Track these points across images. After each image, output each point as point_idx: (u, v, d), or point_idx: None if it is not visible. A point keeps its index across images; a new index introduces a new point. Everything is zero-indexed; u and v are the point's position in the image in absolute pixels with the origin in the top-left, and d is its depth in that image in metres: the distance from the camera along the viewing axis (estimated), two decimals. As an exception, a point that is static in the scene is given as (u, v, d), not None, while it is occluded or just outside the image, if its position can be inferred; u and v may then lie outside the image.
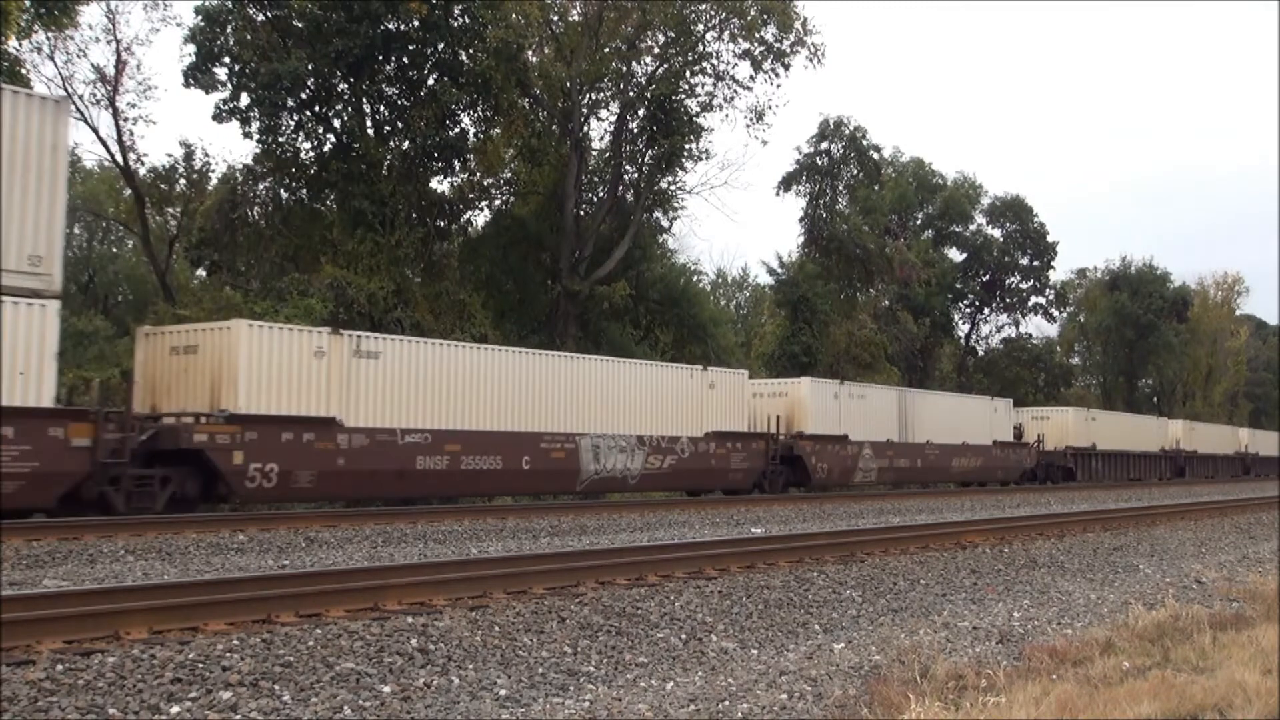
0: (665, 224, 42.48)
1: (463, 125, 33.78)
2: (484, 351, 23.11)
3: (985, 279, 66.07)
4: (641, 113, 37.17)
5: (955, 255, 65.96)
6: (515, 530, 17.09)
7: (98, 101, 31.86)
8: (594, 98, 37.86)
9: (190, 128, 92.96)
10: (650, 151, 37.46)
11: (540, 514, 19.50)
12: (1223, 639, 8.58)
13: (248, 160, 32.75)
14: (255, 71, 30.35)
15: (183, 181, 34.34)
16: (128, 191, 35.44)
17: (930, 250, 62.31)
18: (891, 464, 33.60)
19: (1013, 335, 68.55)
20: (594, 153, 39.41)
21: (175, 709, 6.17)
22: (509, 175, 38.62)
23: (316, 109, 31.91)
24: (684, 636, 8.82)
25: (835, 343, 46.44)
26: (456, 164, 34.25)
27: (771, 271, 48.86)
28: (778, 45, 38.09)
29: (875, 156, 50.44)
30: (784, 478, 29.47)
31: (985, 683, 7.02)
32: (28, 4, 26.48)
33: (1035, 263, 66.82)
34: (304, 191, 33.22)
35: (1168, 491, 38.58)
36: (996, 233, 66.66)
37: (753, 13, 37.36)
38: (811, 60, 38.76)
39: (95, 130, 33.51)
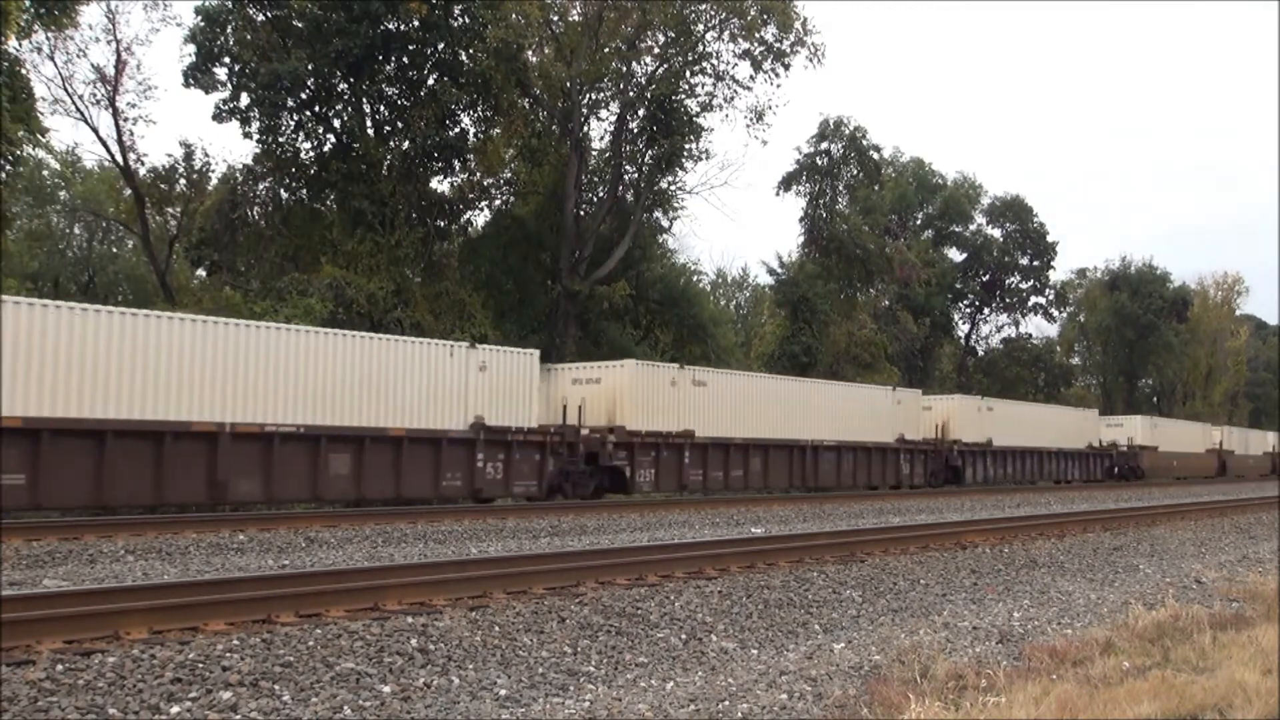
0: (665, 224, 42.52)
1: (463, 125, 33.81)
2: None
3: (985, 279, 66.09)
4: (641, 113, 37.16)
5: (955, 255, 66.00)
6: (515, 530, 17.09)
7: (98, 101, 31.91)
8: (594, 98, 37.86)
9: (190, 128, 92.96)
10: (650, 151, 37.45)
11: (540, 514, 19.52)
12: (1223, 639, 8.58)
13: (248, 160, 32.82)
14: (255, 71, 30.36)
15: (183, 181, 34.35)
16: (128, 191, 35.45)
17: (930, 250, 62.31)
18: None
19: (1013, 335, 68.64)
20: (594, 153, 39.41)
21: (175, 709, 6.17)
22: (509, 175, 38.62)
23: (316, 109, 31.92)
24: (684, 636, 8.82)
25: (835, 343, 46.45)
26: (456, 164, 34.25)
27: (771, 271, 48.91)
28: (778, 45, 38.11)
29: (875, 156, 50.43)
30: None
31: (985, 683, 7.02)
32: (28, 4, 26.48)
33: (1035, 263, 66.85)
34: (304, 191, 33.23)
35: (1168, 491, 38.58)
36: (996, 233, 66.72)
37: (753, 13, 37.36)
38: (811, 60, 38.82)
39: (95, 130, 33.60)
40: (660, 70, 37.72)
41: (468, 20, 32.26)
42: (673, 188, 40.08)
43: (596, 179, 40.06)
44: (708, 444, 26.61)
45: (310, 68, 30.08)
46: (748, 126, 39.76)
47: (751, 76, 38.53)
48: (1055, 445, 41.63)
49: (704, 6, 37.20)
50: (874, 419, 32.38)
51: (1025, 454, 39.87)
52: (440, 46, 32.07)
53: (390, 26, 31.20)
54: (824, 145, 48.38)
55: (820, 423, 30.10)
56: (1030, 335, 69.82)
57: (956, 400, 37.92)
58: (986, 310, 67.80)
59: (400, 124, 32.49)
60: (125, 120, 32.24)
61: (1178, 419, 64.06)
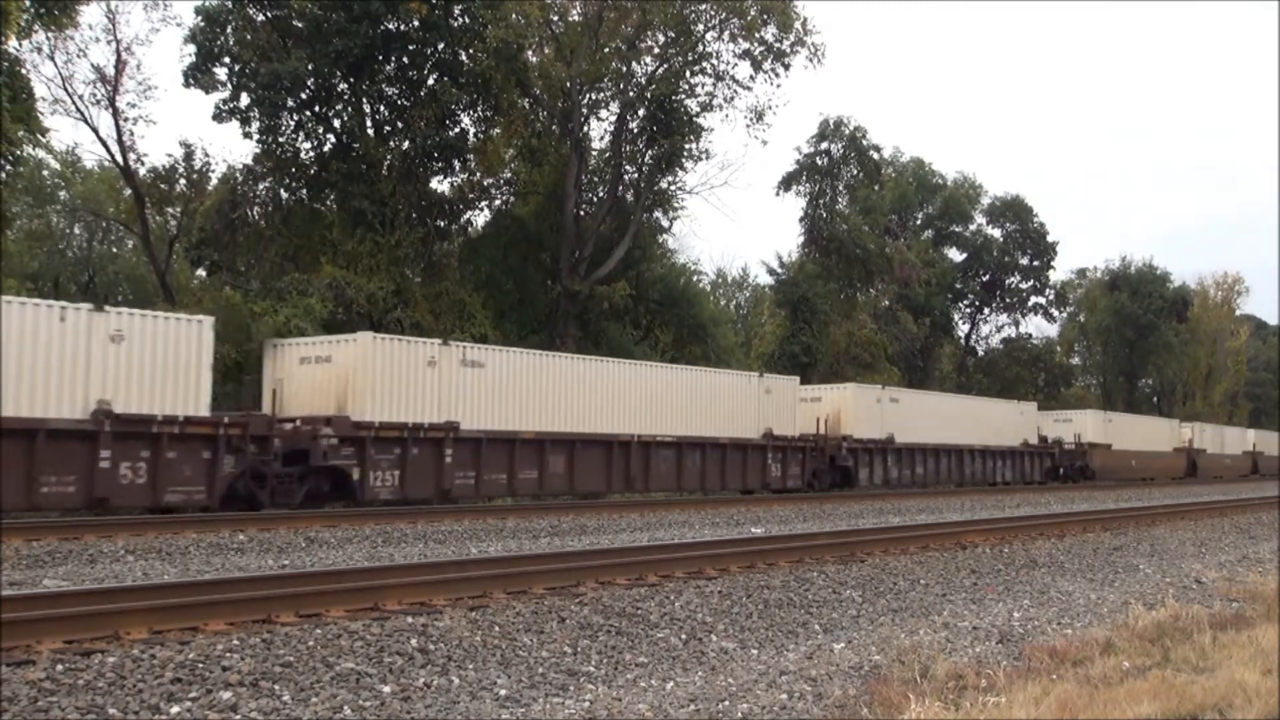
0: (665, 224, 42.53)
1: (463, 125, 33.82)
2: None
3: (985, 279, 66.08)
4: (641, 113, 37.17)
5: (955, 255, 65.99)
6: (515, 530, 17.09)
7: (98, 101, 31.84)
8: (594, 98, 37.87)
9: (190, 128, 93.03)
10: (650, 151, 37.46)
11: (540, 514, 19.51)
12: (1223, 639, 8.57)
13: (248, 160, 32.78)
14: (255, 71, 30.36)
15: (183, 181, 34.32)
16: (128, 191, 35.42)
17: (930, 250, 62.31)
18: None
19: (1013, 335, 68.63)
20: (594, 153, 39.41)
21: (175, 709, 6.16)
22: (509, 175, 38.63)
23: (316, 109, 31.92)
24: (684, 636, 8.82)
25: (835, 343, 46.44)
26: (456, 164, 34.26)
27: (771, 271, 48.92)
28: (778, 45, 38.11)
29: (875, 156, 50.45)
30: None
31: (985, 683, 7.02)
32: (28, 4, 26.46)
33: (1035, 263, 66.85)
34: (304, 191, 33.22)
35: (1168, 492, 38.59)
36: (996, 233, 66.72)
37: (753, 13, 37.36)
38: (811, 60, 38.83)
39: (95, 130, 33.46)
40: (660, 70, 37.72)
41: (468, 20, 32.26)
42: (673, 188, 40.11)
43: (596, 179, 40.07)
44: (481, 439, 21.79)
45: (310, 68, 30.08)
46: (748, 126, 39.81)
47: (751, 76, 38.59)
48: (980, 442, 37.34)
49: (704, 6, 37.21)
50: (732, 411, 27.72)
51: (939, 452, 35.41)
52: (440, 46, 32.07)
53: (390, 26, 31.20)
54: (824, 145, 48.42)
55: (656, 414, 25.79)
56: (1030, 335, 69.91)
57: (850, 390, 32.98)
58: (986, 310, 67.83)
59: (400, 124, 32.50)
60: (125, 120, 32.22)
61: (1145, 414, 60.69)
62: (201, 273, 35.32)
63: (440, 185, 35.10)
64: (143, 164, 33.45)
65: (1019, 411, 41.12)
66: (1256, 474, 61.14)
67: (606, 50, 37.37)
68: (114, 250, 44.57)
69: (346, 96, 31.93)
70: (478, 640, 8.05)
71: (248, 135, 31.73)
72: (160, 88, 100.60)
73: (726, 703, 6.72)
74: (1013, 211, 66.08)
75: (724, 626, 9.27)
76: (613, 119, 38.31)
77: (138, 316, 17.95)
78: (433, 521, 17.64)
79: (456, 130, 33.33)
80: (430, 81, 32.39)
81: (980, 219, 66.67)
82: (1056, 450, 42.59)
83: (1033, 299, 67.88)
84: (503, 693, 6.96)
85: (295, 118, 31.99)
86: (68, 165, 41.28)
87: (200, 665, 6.86)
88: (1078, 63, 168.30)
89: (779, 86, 49.28)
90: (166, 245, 35.95)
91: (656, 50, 38.16)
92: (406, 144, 32.22)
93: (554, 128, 37.50)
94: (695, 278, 48.83)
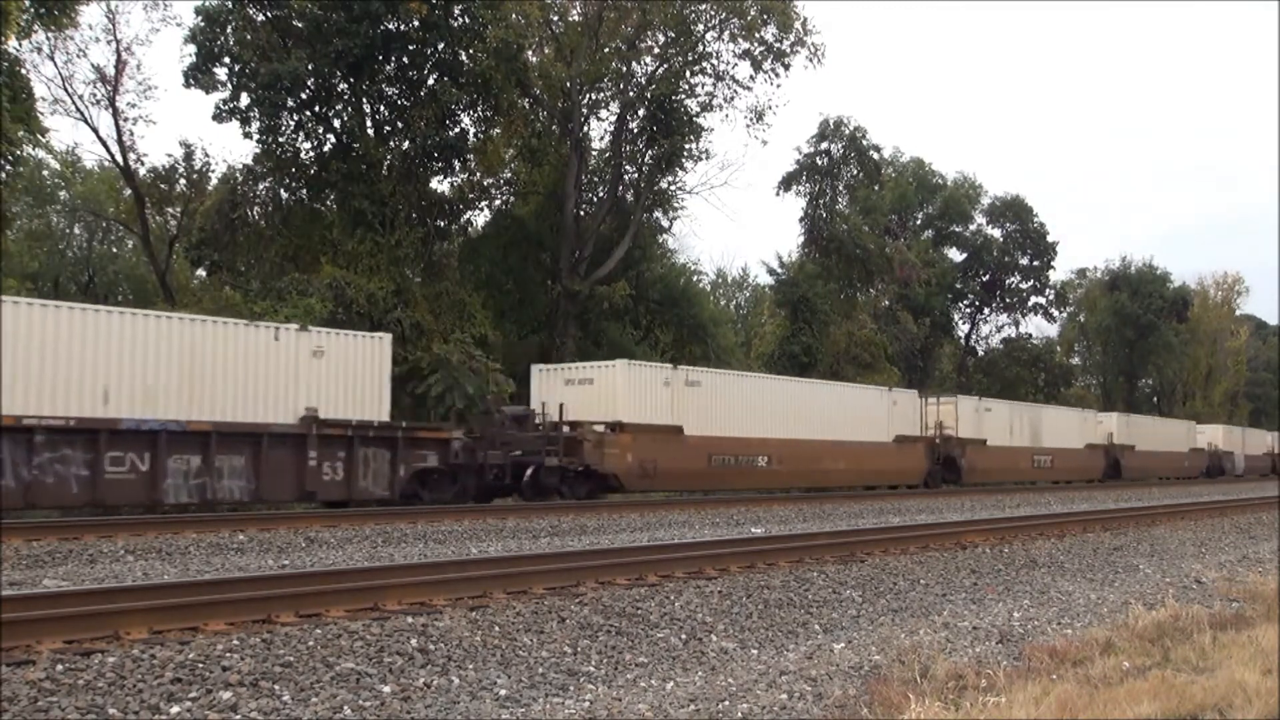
0: (665, 224, 42.57)
1: (463, 125, 33.87)
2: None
3: (985, 279, 66.13)
4: (641, 113, 37.20)
5: (955, 255, 66.06)
6: (515, 530, 17.09)
7: (98, 101, 31.96)
8: (594, 98, 37.91)
9: (190, 128, 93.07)
10: (650, 151, 37.49)
11: (540, 514, 19.52)
12: (1223, 639, 8.57)
13: (248, 160, 32.84)
14: (255, 71, 30.37)
15: (183, 181, 34.38)
16: (128, 191, 35.48)
17: (930, 250, 62.36)
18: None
19: (1013, 335, 68.69)
20: (594, 153, 39.44)
21: (175, 709, 6.16)
22: (509, 175, 38.66)
23: (316, 109, 31.94)
24: (684, 636, 8.81)
25: (835, 343, 46.45)
26: (456, 164, 34.30)
27: (771, 271, 48.95)
28: (778, 45, 38.17)
29: (875, 156, 50.49)
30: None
31: (985, 683, 7.01)
32: (28, 4, 26.48)
33: (1035, 263, 66.91)
34: (304, 191, 33.26)
35: (1168, 491, 38.58)
36: (996, 233, 66.78)
37: (753, 13, 37.40)
38: (811, 60, 38.91)
39: (95, 130, 33.67)
40: (660, 70, 37.74)
41: (468, 20, 32.27)
42: (673, 188, 40.17)
43: (596, 179, 40.10)
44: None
45: (310, 68, 30.10)
46: (748, 126, 39.91)
47: (751, 76, 38.66)
48: (214, 415, 18.67)
49: (704, 6, 37.24)
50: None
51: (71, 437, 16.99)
52: (440, 46, 32.09)
53: (390, 26, 31.22)
54: (824, 145, 48.46)
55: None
56: (1030, 335, 70.00)
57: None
58: (986, 310, 67.91)
59: (400, 124, 32.52)
60: (125, 120, 32.33)
61: (850, 382, 36.43)
62: (201, 273, 35.38)
63: (440, 185, 35.21)
64: (143, 164, 33.60)
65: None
66: (1116, 478, 44.54)
67: (606, 50, 37.39)
68: (114, 250, 44.59)
69: (346, 96, 31.95)
70: (478, 640, 8.05)
71: (248, 135, 31.83)
72: (160, 88, 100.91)
73: (726, 703, 6.72)
74: (1013, 211, 66.13)
75: (724, 626, 9.26)
76: (613, 119, 38.38)
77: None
78: (432, 521, 17.66)
79: (456, 130, 33.36)
80: (430, 81, 32.41)
81: (980, 219, 66.84)
82: (458, 441, 22.36)
83: (1033, 299, 68.04)
84: (503, 693, 6.95)
85: (295, 118, 32.02)
86: (68, 165, 41.31)
87: (200, 665, 6.85)
88: (1078, 63, 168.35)
89: (779, 86, 49.47)
90: (166, 245, 35.98)
91: (656, 50, 38.23)
92: (406, 144, 32.25)
93: (554, 128, 37.53)
94: (695, 278, 48.90)
